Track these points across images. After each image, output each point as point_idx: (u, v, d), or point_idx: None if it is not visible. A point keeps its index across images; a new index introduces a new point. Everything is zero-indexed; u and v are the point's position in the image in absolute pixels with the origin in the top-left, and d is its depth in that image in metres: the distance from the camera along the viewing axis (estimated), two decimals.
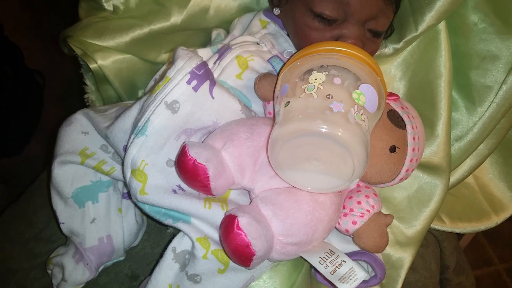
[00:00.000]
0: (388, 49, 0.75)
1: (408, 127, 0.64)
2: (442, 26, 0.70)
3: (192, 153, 0.55)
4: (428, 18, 0.67)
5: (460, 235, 1.04)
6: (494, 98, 0.70)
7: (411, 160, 0.64)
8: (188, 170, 0.55)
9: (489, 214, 0.83)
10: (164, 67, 0.82)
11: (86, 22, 0.81)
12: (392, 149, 0.63)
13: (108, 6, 0.81)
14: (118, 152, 0.67)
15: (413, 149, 0.64)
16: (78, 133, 0.71)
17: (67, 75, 1.41)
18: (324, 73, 0.54)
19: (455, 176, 0.78)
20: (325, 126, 0.48)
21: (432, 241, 0.87)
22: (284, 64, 0.62)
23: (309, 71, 0.56)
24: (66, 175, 0.69)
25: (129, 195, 0.70)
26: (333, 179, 0.54)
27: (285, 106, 0.54)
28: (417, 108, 0.69)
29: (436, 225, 0.81)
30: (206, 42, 0.87)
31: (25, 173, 1.23)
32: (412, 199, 0.75)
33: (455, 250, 0.91)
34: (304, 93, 0.53)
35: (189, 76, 0.60)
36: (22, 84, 1.43)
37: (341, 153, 0.50)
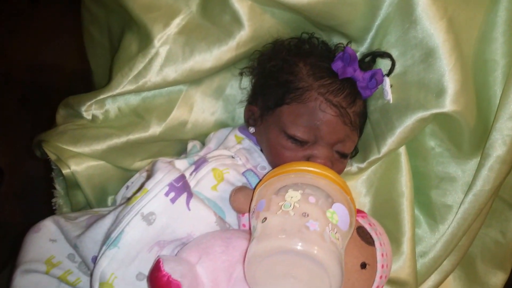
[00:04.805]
0: (353, 167, 0.80)
1: (377, 243, 0.66)
2: (402, 149, 0.77)
3: (167, 268, 0.54)
4: (390, 143, 0.74)
5: None
6: (454, 217, 0.74)
7: (380, 277, 0.65)
8: (161, 286, 0.54)
9: None
10: (136, 175, 0.83)
11: (63, 129, 0.83)
12: (363, 265, 0.64)
13: (87, 115, 0.83)
14: (86, 263, 0.65)
15: (382, 266, 0.66)
16: (45, 240, 0.69)
17: (28, 173, 1.39)
18: (299, 191, 0.57)
19: None
20: (302, 245, 0.50)
21: None
22: (261, 179, 0.65)
23: (284, 188, 0.59)
24: (28, 285, 0.65)
25: None
26: None
27: (262, 222, 0.56)
28: (382, 224, 0.72)
29: None
30: (181, 151, 0.90)
31: None
32: None
33: None
34: (281, 210, 0.55)
35: (167, 188, 0.62)
36: None
37: (318, 272, 0.51)
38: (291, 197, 0.56)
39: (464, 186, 0.75)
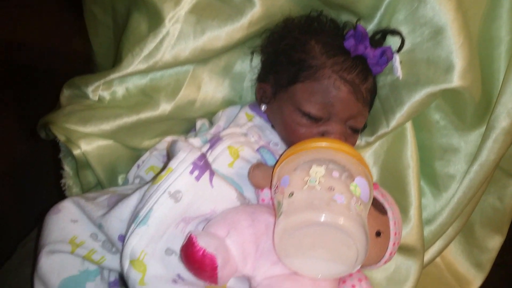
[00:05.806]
0: (362, 141, 0.83)
1: (389, 213, 0.70)
2: (408, 123, 0.80)
3: (202, 242, 0.56)
4: (398, 117, 0.77)
5: None
6: (459, 186, 0.79)
7: (393, 244, 0.69)
8: (196, 261, 0.56)
9: None
10: (147, 154, 0.84)
11: (70, 110, 0.82)
12: (378, 234, 0.68)
13: (94, 96, 0.83)
14: (112, 242, 0.67)
15: (395, 234, 0.70)
16: (67, 221, 0.69)
17: (11, 153, 1.37)
18: (323, 166, 0.60)
19: (427, 256, 0.84)
20: (333, 217, 0.53)
21: None
22: (280, 156, 0.67)
23: (307, 164, 0.61)
24: (53, 264, 0.66)
25: (120, 283, 0.69)
26: (337, 265, 0.58)
27: (289, 197, 0.58)
28: (390, 194, 0.76)
29: None
30: (189, 129, 0.91)
31: None
32: (390, 280, 0.80)
33: None
34: (307, 185, 0.58)
35: (191, 166, 0.64)
36: None
37: (346, 241, 0.55)
38: (316, 172, 0.59)
39: (467, 156, 0.79)
